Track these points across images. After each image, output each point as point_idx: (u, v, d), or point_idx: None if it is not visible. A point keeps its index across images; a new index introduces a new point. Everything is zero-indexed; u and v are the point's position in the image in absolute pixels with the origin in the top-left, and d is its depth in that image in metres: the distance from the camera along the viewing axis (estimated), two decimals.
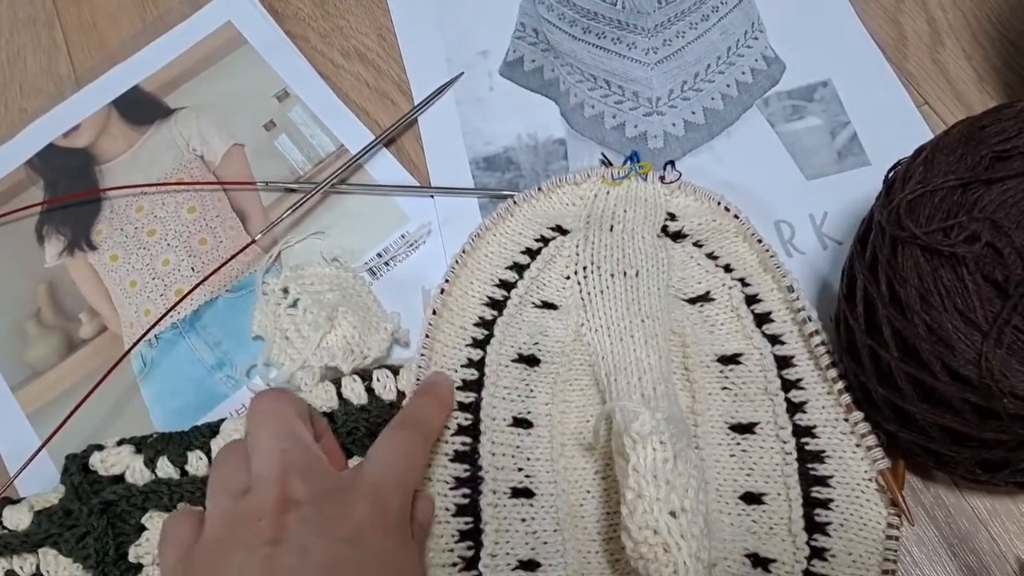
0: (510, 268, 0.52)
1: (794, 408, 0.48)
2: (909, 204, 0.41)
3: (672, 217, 0.53)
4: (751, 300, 0.51)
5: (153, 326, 0.54)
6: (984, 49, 0.59)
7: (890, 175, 0.44)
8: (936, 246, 0.39)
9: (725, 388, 0.49)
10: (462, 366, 0.50)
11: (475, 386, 0.49)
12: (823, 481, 0.46)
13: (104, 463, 0.48)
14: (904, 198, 0.41)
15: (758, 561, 0.45)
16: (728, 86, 0.59)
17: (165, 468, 0.48)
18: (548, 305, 0.52)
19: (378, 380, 0.49)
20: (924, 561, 0.46)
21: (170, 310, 0.54)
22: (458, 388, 0.49)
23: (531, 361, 0.50)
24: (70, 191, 0.61)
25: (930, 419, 0.41)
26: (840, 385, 0.47)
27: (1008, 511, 0.47)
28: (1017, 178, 0.41)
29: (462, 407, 0.49)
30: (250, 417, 0.41)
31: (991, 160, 0.42)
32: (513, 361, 0.50)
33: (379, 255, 0.56)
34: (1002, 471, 0.42)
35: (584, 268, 0.52)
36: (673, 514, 0.39)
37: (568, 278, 0.52)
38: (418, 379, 0.49)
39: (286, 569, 0.35)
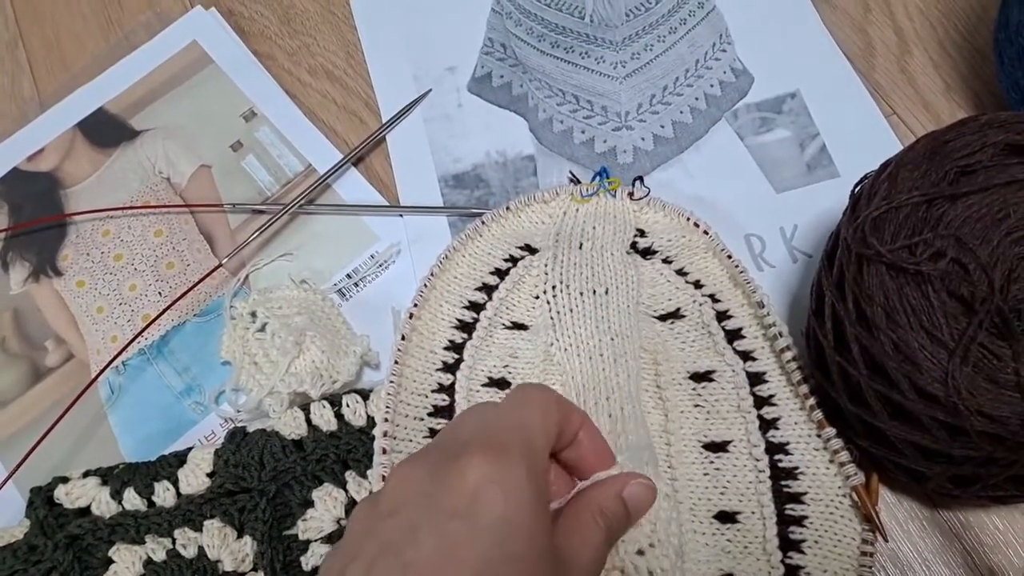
0: (479, 289, 0.52)
1: (767, 425, 0.48)
2: (874, 221, 0.40)
3: (641, 233, 0.52)
4: (722, 316, 0.50)
5: (120, 352, 0.53)
6: (952, 58, 0.59)
7: (856, 191, 0.44)
8: (901, 264, 0.39)
9: (698, 406, 0.49)
10: (432, 391, 0.49)
11: (446, 412, 0.49)
12: (797, 498, 0.46)
13: (69, 496, 0.48)
14: (869, 216, 0.40)
15: None
16: (697, 99, 0.59)
17: (132, 500, 0.47)
18: (518, 326, 0.51)
19: (347, 406, 0.49)
20: None
21: (137, 336, 0.54)
22: (428, 414, 0.49)
23: (502, 384, 0.50)
24: (35, 216, 0.60)
25: (900, 436, 0.41)
26: (812, 401, 0.47)
27: (981, 524, 0.46)
28: (981, 193, 0.41)
29: (433, 433, 0.48)
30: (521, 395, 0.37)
31: (955, 175, 0.41)
32: (484, 385, 0.50)
33: (348, 276, 0.56)
34: (973, 486, 0.42)
35: (553, 287, 0.51)
36: (640, 552, 0.39)
37: (537, 298, 0.52)
38: (388, 406, 0.48)
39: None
